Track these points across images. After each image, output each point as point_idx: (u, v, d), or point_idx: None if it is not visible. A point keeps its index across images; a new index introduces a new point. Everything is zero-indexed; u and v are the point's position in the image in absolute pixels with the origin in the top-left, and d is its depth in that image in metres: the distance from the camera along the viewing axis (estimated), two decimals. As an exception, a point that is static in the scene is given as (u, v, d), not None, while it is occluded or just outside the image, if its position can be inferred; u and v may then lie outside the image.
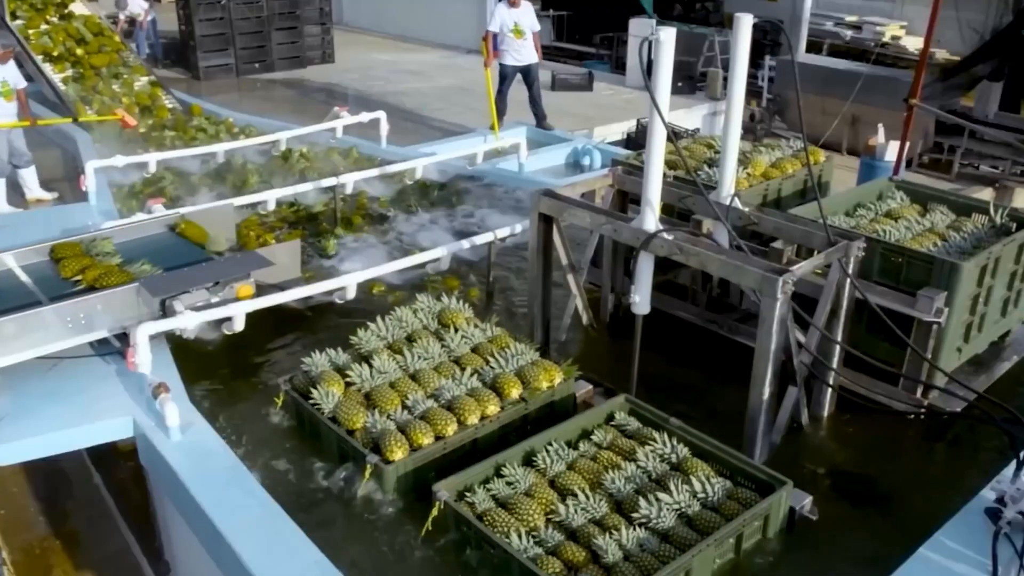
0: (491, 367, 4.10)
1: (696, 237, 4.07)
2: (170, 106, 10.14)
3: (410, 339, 4.35)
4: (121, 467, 5.63)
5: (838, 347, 4.00)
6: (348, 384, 4.00)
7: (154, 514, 5.10)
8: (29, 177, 8.34)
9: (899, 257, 4.12)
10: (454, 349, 4.25)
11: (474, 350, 4.27)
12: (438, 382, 4.00)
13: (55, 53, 10.54)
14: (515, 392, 3.96)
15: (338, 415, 3.80)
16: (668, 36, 3.65)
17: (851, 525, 3.50)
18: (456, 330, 4.36)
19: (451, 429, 3.71)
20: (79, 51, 10.62)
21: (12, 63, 8.08)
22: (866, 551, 3.36)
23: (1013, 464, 3.12)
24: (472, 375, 4.05)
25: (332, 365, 4.14)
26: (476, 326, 4.43)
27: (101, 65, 10.52)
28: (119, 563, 5.33)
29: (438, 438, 3.68)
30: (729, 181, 4.34)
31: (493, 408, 3.86)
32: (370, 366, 4.07)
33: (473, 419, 3.78)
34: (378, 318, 4.44)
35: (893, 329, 3.84)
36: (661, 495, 3.28)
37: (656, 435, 3.65)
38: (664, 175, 4.07)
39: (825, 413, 4.17)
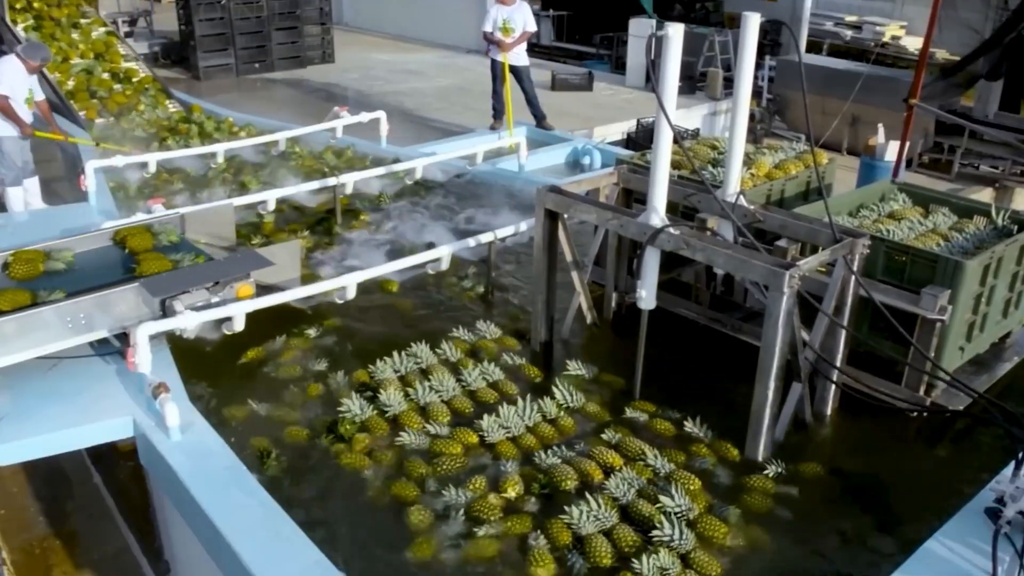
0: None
1: (702, 233, 4.07)
2: (123, 52, 10.93)
3: (426, 373, 4.43)
4: (121, 467, 5.61)
5: (842, 344, 3.98)
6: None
7: (154, 514, 5.08)
8: (32, 187, 8.16)
9: (903, 255, 4.11)
10: (470, 383, 4.32)
11: (491, 386, 4.34)
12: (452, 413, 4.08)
13: (18, 6, 11.61)
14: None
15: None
16: (676, 32, 3.65)
17: (851, 523, 3.48)
18: (476, 365, 4.45)
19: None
20: (37, 4, 11.62)
21: (35, 76, 8.00)
22: (866, 549, 3.35)
23: (1013, 464, 3.10)
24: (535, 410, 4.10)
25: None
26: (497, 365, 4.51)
27: (60, 16, 11.40)
28: (119, 563, 5.31)
29: None
30: (735, 179, 4.32)
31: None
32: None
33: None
34: (394, 352, 4.50)
35: (896, 327, 3.82)
36: (663, 498, 3.36)
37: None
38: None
39: (828, 410, 4.15)
